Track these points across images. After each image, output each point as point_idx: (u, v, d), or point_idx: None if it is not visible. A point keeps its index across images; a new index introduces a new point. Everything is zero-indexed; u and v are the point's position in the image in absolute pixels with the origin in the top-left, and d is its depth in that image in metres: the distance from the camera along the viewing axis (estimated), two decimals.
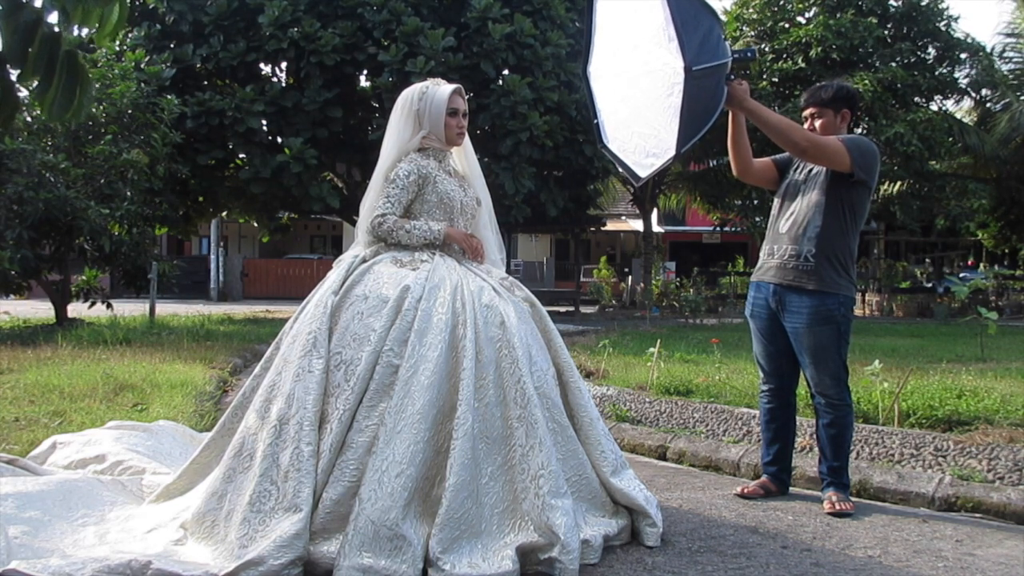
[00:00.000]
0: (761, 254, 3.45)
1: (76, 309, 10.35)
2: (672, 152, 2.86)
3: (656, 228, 24.52)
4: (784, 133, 3.12)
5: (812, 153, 3.16)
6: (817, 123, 3.30)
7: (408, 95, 2.98)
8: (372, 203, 2.92)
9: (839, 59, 15.80)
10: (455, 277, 2.77)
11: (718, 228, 21.29)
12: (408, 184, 2.88)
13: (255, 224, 16.90)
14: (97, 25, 1.62)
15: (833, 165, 3.18)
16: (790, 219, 3.30)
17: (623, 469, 2.80)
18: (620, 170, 3.22)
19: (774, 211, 3.42)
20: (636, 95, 3.06)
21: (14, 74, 1.59)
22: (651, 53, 2.91)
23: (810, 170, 3.32)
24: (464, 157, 3.13)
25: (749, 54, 3.16)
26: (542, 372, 2.71)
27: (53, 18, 1.61)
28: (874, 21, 15.92)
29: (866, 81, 14.69)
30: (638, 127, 3.07)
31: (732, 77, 3.03)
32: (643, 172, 3.08)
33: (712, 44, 2.82)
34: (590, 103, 3.26)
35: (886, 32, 16.61)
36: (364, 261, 2.85)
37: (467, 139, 3.09)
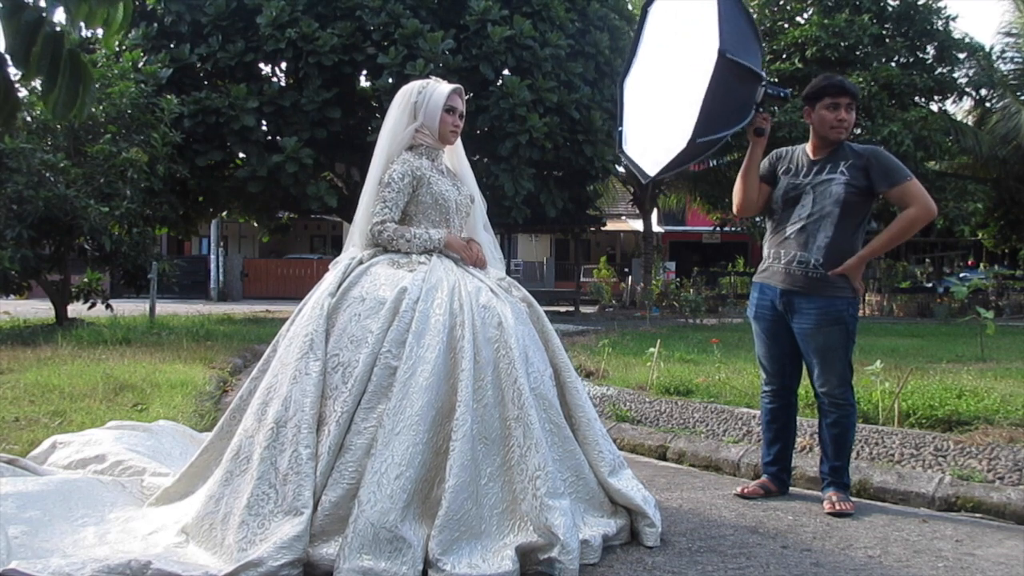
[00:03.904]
0: (765, 255, 3.40)
1: (76, 309, 10.35)
2: (685, 141, 2.86)
3: (656, 228, 24.55)
4: (907, 233, 3.22)
5: (932, 215, 3.18)
6: (852, 115, 3.26)
7: (408, 88, 2.99)
8: (368, 206, 2.91)
9: (835, 59, 15.81)
10: (452, 278, 2.77)
11: (718, 228, 21.32)
12: (403, 186, 2.88)
13: (255, 224, 16.92)
14: (102, 25, 1.63)
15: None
16: (797, 224, 3.26)
17: (621, 469, 2.80)
18: (634, 172, 3.25)
19: (777, 213, 3.36)
20: (672, 88, 3.09)
21: (16, 74, 1.59)
22: (695, 49, 2.94)
23: (814, 172, 3.26)
24: (455, 156, 3.13)
25: (783, 94, 3.15)
26: (539, 373, 2.70)
27: (57, 17, 1.61)
28: (867, 19, 15.95)
29: (860, 82, 14.72)
30: (665, 119, 3.09)
31: (762, 109, 3.04)
32: (653, 171, 3.09)
33: (752, 55, 2.85)
34: (619, 112, 3.31)
35: (884, 31, 16.63)
36: (361, 263, 2.84)
37: (459, 140, 3.09)
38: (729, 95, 2.83)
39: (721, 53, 2.71)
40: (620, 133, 3.27)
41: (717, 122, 2.86)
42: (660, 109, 3.14)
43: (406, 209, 2.92)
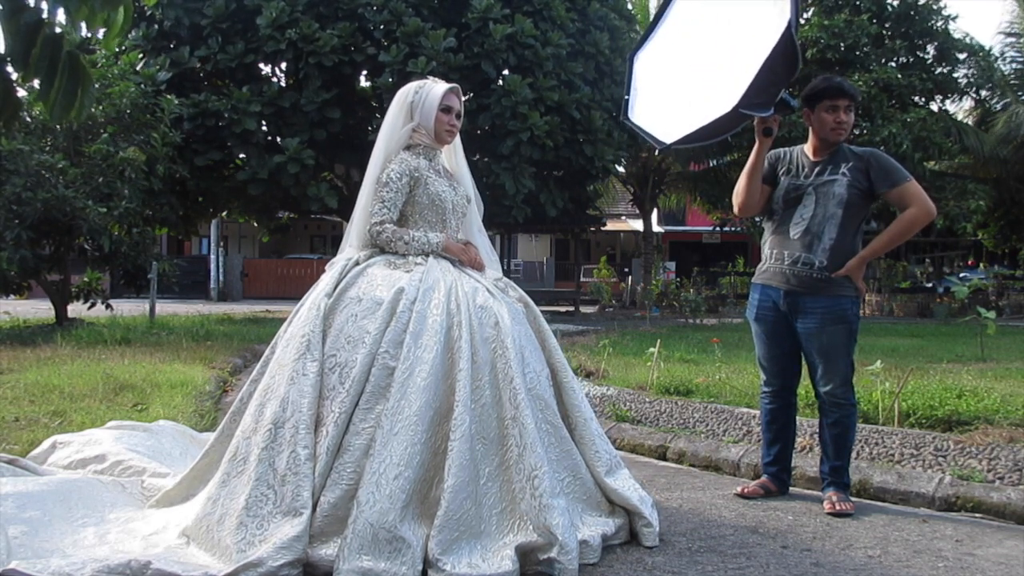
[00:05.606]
0: (766, 255, 3.38)
1: (76, 309, 10.35)
2: (722, 111, 2.85)
3: (656, 228, 24.55)
4: (906, 234, 3.23)
5: (931, 216, 3.21)
6: (851, 116, 3.26)
7: (406, 88, 3.01)
8: (366, 206, 2.92)
9: (835, 59, 15.81)
10: (449, 279, 2.77)
11: (718, 228, 21.32)
12: (401, 186, 2.88)
13: (255, 224, 16.92)
14: (103, 27, 1.63)
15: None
16: (800, 225, 3.25)
17: (617, 469, 2.79)
18: (647, 139, 3.25)
19: (778, 213, 3.34)
20: (707, 63, 3.09)
21: (15, 75, 1.59)
22: (750, 24, 2.95)
23: (815, 173, 3.26)
24: (454, 155, 3.13)
25: (792, 103, 3.17)
26: (535, 373, 2.70)
27: (57, 18, 1.61)
28: (867, 19, 15.94)
29: (860, 83, 14.71)
30: (693, 92, 3.08)
31: (774, 110, 3.05)
32: (668, 139, 3.11)
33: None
34: (628, 82, 3.32)
35: (884, 32, 16.61)
36: (357, 264, 2.84)
37: (458, 139, 3.10)
38: (773, 75, 2.83)
39: (789, 25, 2.73)
40: (627, 102, 3.27)
41: (758, 96, 2.86)
42: (686, 83, 3.15)
43: (403, 209, 2.93)
